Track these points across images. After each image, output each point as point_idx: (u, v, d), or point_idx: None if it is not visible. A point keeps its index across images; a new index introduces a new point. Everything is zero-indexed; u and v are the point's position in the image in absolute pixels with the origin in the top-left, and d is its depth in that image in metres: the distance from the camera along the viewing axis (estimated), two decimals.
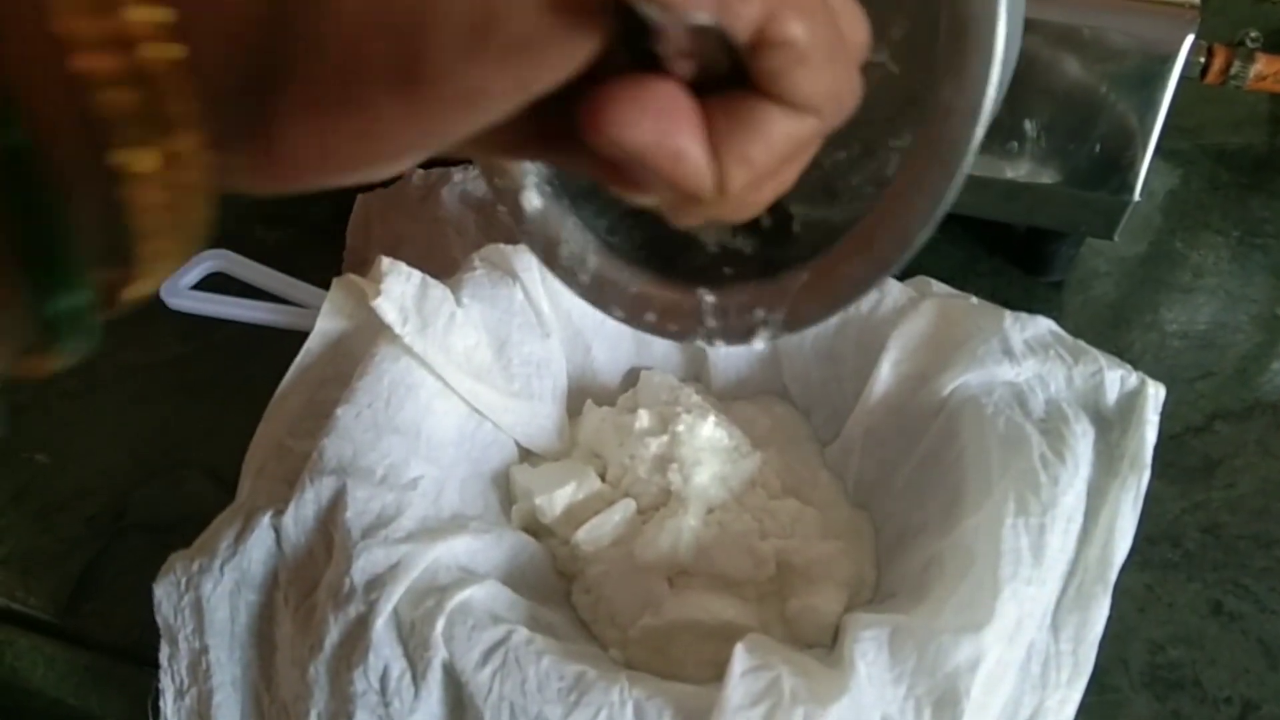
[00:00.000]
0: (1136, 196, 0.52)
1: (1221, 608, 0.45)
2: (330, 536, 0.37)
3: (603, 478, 0.45)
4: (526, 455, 0.47)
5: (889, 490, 0.43)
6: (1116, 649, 0.42)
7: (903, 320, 0.44)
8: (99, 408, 0.53)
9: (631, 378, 0.50)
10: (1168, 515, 0.48)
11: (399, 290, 0.42)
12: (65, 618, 0.44)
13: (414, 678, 0.34)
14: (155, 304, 0.56)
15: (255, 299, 0.56)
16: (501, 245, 0.47)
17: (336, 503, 0.37)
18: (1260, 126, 0.70)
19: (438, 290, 0.43)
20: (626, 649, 0.39)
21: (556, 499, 0.42)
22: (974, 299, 0.47)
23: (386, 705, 0.34)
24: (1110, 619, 0.36)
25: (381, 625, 0.34)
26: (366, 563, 0.36)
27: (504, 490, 0.45)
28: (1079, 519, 0.37)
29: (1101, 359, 0.41)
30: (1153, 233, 0.63)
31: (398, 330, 0.41)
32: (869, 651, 0.33)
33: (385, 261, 0.42)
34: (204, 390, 0.53)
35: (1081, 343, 0.42)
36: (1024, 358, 0.41)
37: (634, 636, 0.39)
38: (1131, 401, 0.40)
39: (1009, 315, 0.43)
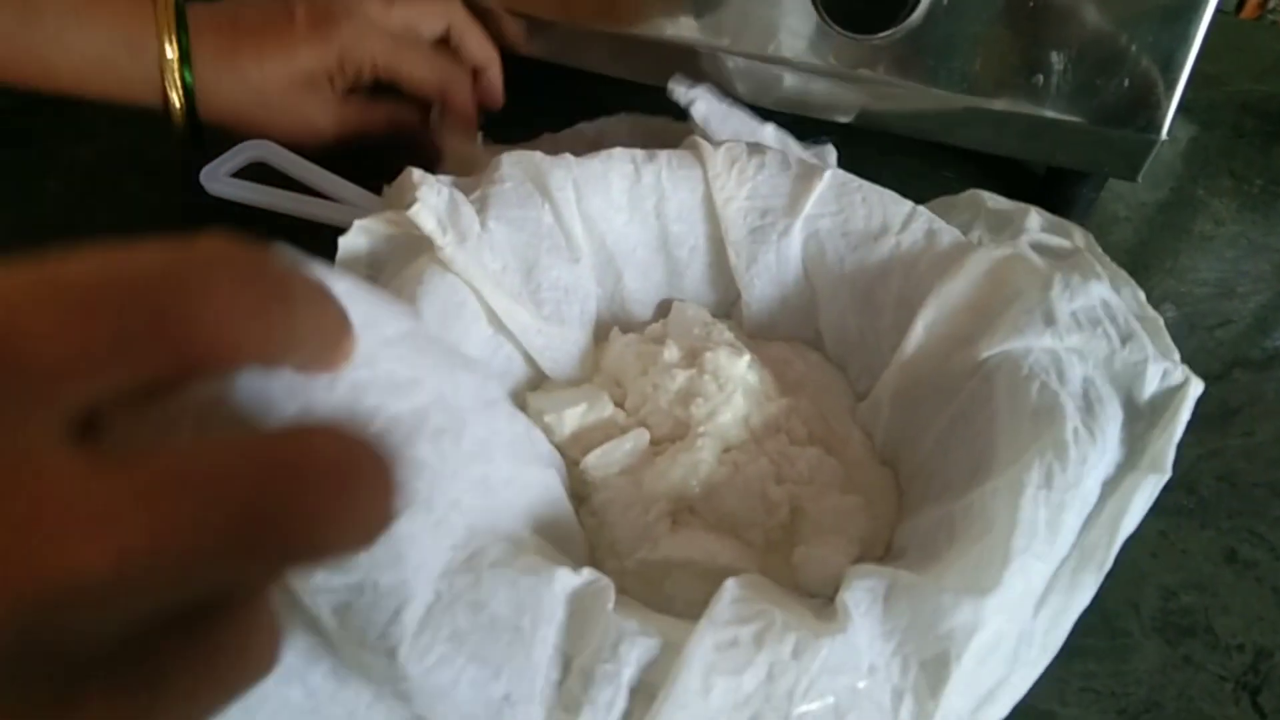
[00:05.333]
0: (1164, 135, 0.50)
1: (1236, 555, 0.44)
2: None
3: (621, 406, 0.43)
4: (537, 384, 0.45)
5: (916, 451, 0.41)
6: (1128, 594, 0.41)
7: (945, 277, 0.41)
8: None
9: (663, 310, 0.48)
10: (1183, 462, 0.46)
11: (433, 201, 0.39)
12: None
13: None
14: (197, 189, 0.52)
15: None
16: (535, 154, 0.43)
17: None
18: None
19: (466, 207, 0.41)
20: (622, 579, 0.38)
21: (566, 418, 0.41)
22: (1026, 252, 0.43)
23: None
24: (1122, 564, 0.35)
25: None
26: None
27: None
28: (1093, 503, 0.35)
29: (1149, 346, 0.38)
30: (1174, 179, 0.61)
31: (438, 241, 0.38)
32: (863, 601, 0.31)
33: (415, 173, 0.40)
34: None
35: (1136, 324, 0.39)
36: (1069, 332, 0.38)
37: (629, 568, 0.38)
38: (1168, 398, 0.38)
39: (1058, 281, 0.40)
